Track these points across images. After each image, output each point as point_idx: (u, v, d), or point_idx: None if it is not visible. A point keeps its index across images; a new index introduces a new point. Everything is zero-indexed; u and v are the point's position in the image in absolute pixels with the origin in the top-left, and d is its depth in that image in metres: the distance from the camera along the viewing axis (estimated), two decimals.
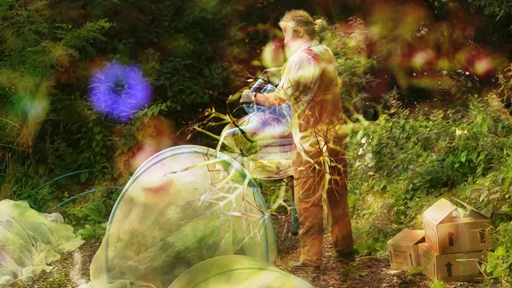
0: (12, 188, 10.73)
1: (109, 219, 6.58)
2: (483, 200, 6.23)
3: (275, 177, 9.75)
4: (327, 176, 6.31)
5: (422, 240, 6.30)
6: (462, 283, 5.75)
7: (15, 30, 10.70)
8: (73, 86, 11.74)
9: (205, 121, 5.89)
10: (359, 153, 8.73)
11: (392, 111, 8.64)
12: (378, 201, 7.80)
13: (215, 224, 6.46)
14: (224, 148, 4.67)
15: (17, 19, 10.68)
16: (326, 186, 6.33)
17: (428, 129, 8.24)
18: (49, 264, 7.75)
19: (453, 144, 7.57)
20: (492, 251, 5.55)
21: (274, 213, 6.30)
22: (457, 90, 10.90)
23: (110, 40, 11.99)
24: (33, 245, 7.98)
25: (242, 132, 4.75)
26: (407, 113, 8.50)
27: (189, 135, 4.41)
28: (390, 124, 8.54)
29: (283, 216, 9.83)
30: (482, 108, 7.65)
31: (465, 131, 7.32)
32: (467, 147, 7.27)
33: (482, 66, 10.61)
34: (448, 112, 8.22)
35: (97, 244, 8.51)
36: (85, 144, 11.39)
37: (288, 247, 7.86)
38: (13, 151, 11.40)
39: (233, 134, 5.94)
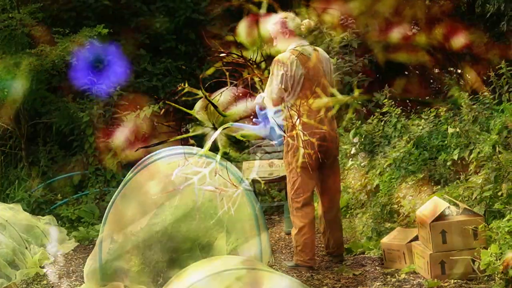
0: (5, 191, 10.73)
1: (103, 221, 6.57)
2: (476, 198, 6.24)
3: (268, 178, 9.79)
4: (301, 150, 6.36)
5: (416, 238, 6.31)
6: (455, 281, 5.75)
7: (8, 33, 10.68)
8: (66, 89, 11.72)
9: (179, 96, 5.94)
10: (351, 152, 8.74)
11: (384, 109, 8.65)
12: (371, 199, 7.81)
13: (209, 225, 6.47)
14: (197, 122, 4.68)
15: (9, 22, 10.66)
16: (300, 159, 6.40)
17: (420, 127, 8.25)
18: (43, 267, 7.74)
19: (445, 142, 7.58)
20: (486, 248, 5.56)
21: (247, 188, 6.27)
22: (433, 65, 10.94)
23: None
24: (26, 247, 7.97)
25: (214, 106, 4.76)
26: (399, 112, 8.50)
27: (162, 111, 4.44)
28: (382, 123, 8.55)
29: (276, 216, 9.85)
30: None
31: (457, 129, 7.33)
32: (459, 145, 7.27)
33: (458, 41, 10.61)
34: (440, 110, 8.21)
35: (91, 246, 8.50)
36: (77, 147, 11.38)
37: (282, 246, 7.87)
38: (5, 154, 11.39)
39: (206, 109, 5.93)
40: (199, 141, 5.61)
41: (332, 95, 6.86)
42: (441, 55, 11.39)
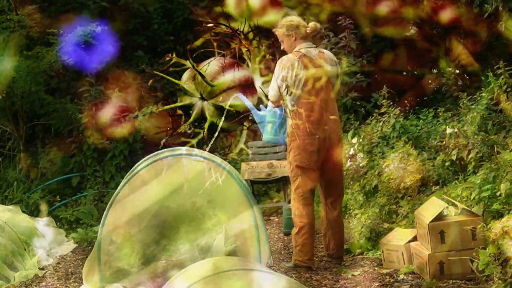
0: (3, 192, 10.72)
1: (101, 223, 6.57)
2: (474, 198, 6.24)
3: (267, 179, 9.80)
4: (289, 121, 6.40)
5: (414, 239, 6.31)
6: (454, 281, 5.76)
7: (6, 35, 10.68)
8: (64, 90, 11.73)
9: (166, 66, 5.92)
10: (350, 153, 8.74)
11: (383, 110, 8.65)
12: (370, 200, 7.81)
13: (207, 226, 6.47)
14: (185, 93, 4.68)
15: (8, 24, 10.66)
16: (289, 130, 6.42)
17: (419, 127, 8.25)
18: (42, 269, 7.74)
19: (444, 142, 7.59)
20: (484, 248, 5.55)
21: (235, 157, 6.30)
22: (420, 39, 10.93)
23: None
24: (25, 249, 7.97)
25: (202, 76, 4.78)
26: (397, 112, 8.51)
27: (150, 82, 4.44)
28: (380, 123, 8.55)
29: (275, 217, 9.85)
30: (472, 106, 7.68)
31: (456, 129, 7.34)
32: (457, 145, 7.28)
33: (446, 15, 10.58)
34: (438, 110, 8.22)
35: (90, 247, 8.50)
36: (76, 148, 11.37)
37: (280, 248, 7.87)
38: (4, 156, 11.39)
39: (193, 79, 5.96)
40: (187, 111, 5.61)
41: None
42: (429, 28, 11.36)
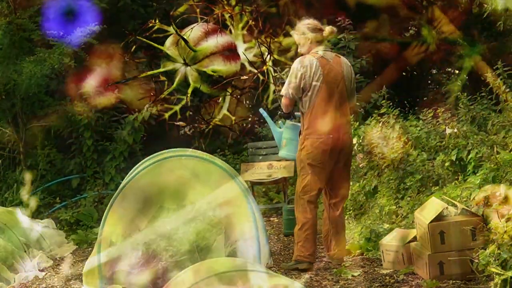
0: (3, 194, 10.73)
1: (101, 223, 6.57)
2: (474, 198, 6.24)
3: (267, 180, 9.80)
4: (272, 87, 6.49)
5: (414, 239, 6.31)
6: (454, 281, 5.76)
7: (8, 39, 10.68)
8: (63, 92, 11.72)
9: (149, 32, 5.90)
10: None
11: (382, 111, 8.66)
12: (370, 201, 7.81)
13: (207, 227, 6.47)
14: (168, 58, 4.63)
15: (9, 27, 10.66)
16: (271, 96, 6.49)
17: (418, 128, 8.26)
18: (42, 270, 7.74)
19: (443, 142, 7.59)
20: (484, 249, 5.56)
21: (219, 123, 6.31)
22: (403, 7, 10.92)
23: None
24: (25, 251, 7.97)
25: (185, 41, 4.76)
26: (397, 113, 8.51)
27: (133, 47, 4.42)
28: (380, 124, 8.56)
29: (275, 218, 9.86)
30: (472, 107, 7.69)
31: (455, 130, 7.34)
32: (457, 146, 7.28)
33: None
34: (438, 111, 8.23)
35: (90, 249, 8.50)
36: (76, 150, 11.38)
37: (280, 248, 7.87)
38: (4, 158, 11.39)
39: (176, 44, 5.92)
40: (170, 77, 5.58)
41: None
42: None
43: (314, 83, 6.64)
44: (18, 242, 7.98)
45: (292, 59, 6.49)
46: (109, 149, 11.14)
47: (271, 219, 9.84)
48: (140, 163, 7.27)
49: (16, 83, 10.47)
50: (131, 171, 7.34)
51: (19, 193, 10.58)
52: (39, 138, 11.64)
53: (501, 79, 7.40)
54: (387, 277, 6.22)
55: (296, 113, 6.94)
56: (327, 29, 6.85)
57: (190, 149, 7.16)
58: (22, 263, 7.70)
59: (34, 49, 10.73)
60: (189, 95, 4.40)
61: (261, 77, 6.09)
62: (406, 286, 5.92)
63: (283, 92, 6.76)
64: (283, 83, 6.40)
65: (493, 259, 5.30)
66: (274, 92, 6.46)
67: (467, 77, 6.92)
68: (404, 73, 12.30)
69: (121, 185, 6.89)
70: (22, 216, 8.90)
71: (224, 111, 4.75)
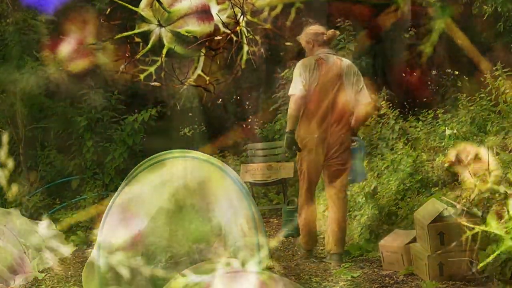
0: (3, 195, 10.72)
1: (101, 225, 6.57)
2: (473, 199, 6.24)
3: (266, 181, 9.80)
4: (245, 48, 6.55)
5: (414, 240, 6.31)
6: (454, 282, 5.76)
7: (18, 36, 10.69)
8: (63, 93, 11.73)
9: None
10: None
11: (382, 112, 8.66)
12: (369, 202, 7.81)
13: (207, 229, 6.47)
14: (143, 20, 4.64)
15: (22, 26, 10.67)
16: (245, 57, 6.55)
17: (418, 129, 8.26)
18: (41, 272, 7.74)
19: (443, 143, 7.59)
20: (484, 250, 5.55)
21: (193, 83, 6.33)
22: None
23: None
24: (25, 252, 7.96)
25: (159, 2, 4.79)
26: (397, 114, 8.51)
27: (108, 10, 4.41)
28: (380, 125, 8.56)
29: (275, 219, 9.86)
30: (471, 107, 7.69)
31: (455, 131, 7.34)
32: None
33: None
34: (438, 112, 8.24)
35: (89, 250, 8.49)
36: (76, 151, 11.38)
37: (280, 249, 7.87)
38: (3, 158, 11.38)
39: (151, 6, 5.99)
40: (145, 38, 5.58)
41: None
42: None
43: (311, 82, 6.89)
44: (17, 243, 7.98)
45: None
46: (109, 150, 11.15)
47: (271, 220, 9.84)
48: (139, 164, 7.26)
49: (17, 82, 10.48)
50: (131, 172, 7.34)
51: (19, 194, 10.58)
52: (39, 139, 11.64)
53: (500, 80, 7.40)
54: (387, 278, 6.22)
55: (353, 138, 7.11)
56: (328, 32, 7.13)
57: (190, 150, 7.16)
58: (22, 265, 7.70)
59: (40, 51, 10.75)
60: (163, 55, 4.42)
61: (235, 38, 6.17)
62: (406, 287, 5.93)
63: (291, 92, 6.96)
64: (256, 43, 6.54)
65: (493, 260, 5.30)
66: (247, 53, 6.57)
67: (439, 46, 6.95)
68: (403, 74, 12.30)
69: (120, 186, 6.89)
70: (21, 217, 8.90)
71: (199, 71, 4.77)
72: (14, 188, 10.11)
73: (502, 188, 4.01)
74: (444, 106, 9.63)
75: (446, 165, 5.58)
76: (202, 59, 5.48)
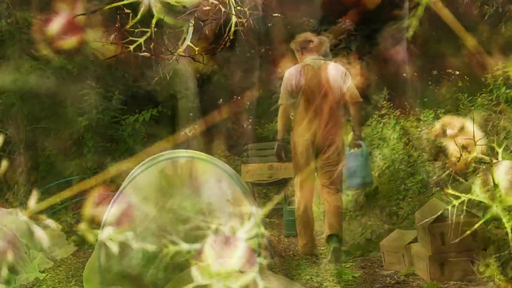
0: (4, 196, 10.72)
1: (101, 225, 6.57)
2: (474, 199, 6.23)
3: (267, 181, 9.80)
4: (234, 19, 6.67)
5: (415, 240, 6.31)
6: (455, 282, 5.75)
7: (19, 35, 10.69)
8: (63, 93, 11.73)
9: None
10: None
11: (383, 112, 8.66)
12: (370, 202, 7.81)
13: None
14: None
15: (22, 25, 10.68)
16: (233, 28, 6.65)
17: (419, 129, 8.25)
18: (42, 272, 7.74)
19: (444, 143, 7.58)
20: (485, 250, 5.55)
21: (182, 54, 6.37)
22: None
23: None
24: (25, 252, 7.96)
25: None
26: (397, 114, 8.51)
27: None
28: (381, 125, 8.55)
29: (276, 219, 9.85)
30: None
31: (456, 131, 7.32)
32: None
33: None
34: (439, 111, 8.23)
35: (90, 250, 8.49)
36: (76, 151, 11.38)
37: (281, 250, 7.87)
38: (4, 159, 11.38)
39: None
40: (134, 8, 5.58)
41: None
42: None
43: (298, 89, 7.22)
44: (18, 243, 7.97)
45: (305, 98, 7.03)
46: (109, 151, 11.14)
47: (272, 220, 9.84)
48: (140, 164, 7.26)
49: (17, 81, 10.48)
50: (131, 172, 7.33)
51: (19, 195, 10.58)
52: (40, 139, 11.64)
53: (501, 80, 7.40)
54: (388, 278, 6.21)
55: (358, 142, 7.23)
56: (315, 40, 7.47)
57: (191, 150, 7.16)
58: (23, 265, 7.70)
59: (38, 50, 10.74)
60: (153, 26, 4.42)
61: (223, 9, 6.24)
62: (407, 287, 5.92)
63: (279, 102, 7.35)
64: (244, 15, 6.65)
65: (494, 260, 5.30)
66: (236, 24, 6.69)
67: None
68: (404, 74, 12.29)
69: (121, 187, 6.88)
70: (22, 217, 8.90)
71: (188, 42, 4.77)
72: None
73: (486, 157, 4.08)
74: (445, 106, 9.61)
75: (432, 137, 5.65)
76: (191, 29, 5.47)
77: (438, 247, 5.84)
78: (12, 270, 7.51)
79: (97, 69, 11.50)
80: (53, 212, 10.42)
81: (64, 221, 10.04)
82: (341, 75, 7.24)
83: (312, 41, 7.43)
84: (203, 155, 6.86)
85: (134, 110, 11.69)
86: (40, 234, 8.58)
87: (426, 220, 5.94)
